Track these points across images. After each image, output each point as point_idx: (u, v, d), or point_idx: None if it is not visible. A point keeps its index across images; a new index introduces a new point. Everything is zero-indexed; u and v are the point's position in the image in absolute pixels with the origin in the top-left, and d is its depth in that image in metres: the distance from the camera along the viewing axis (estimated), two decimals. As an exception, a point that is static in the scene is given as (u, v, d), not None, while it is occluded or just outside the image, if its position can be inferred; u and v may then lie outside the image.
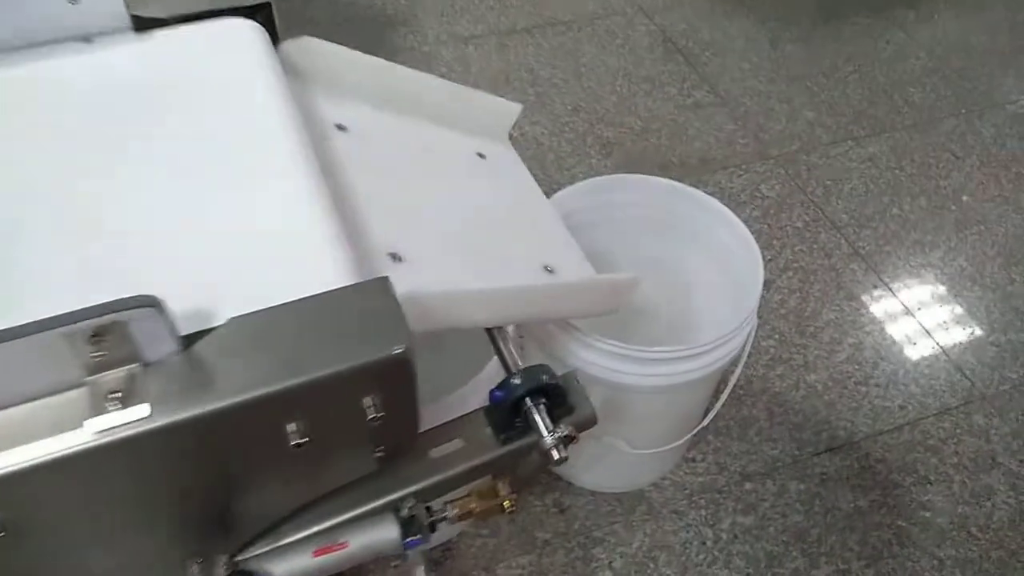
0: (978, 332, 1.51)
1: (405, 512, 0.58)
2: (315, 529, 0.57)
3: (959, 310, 1.55)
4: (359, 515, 0.58)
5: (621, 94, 1.94)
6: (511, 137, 0.93)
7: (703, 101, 1.95)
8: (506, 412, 0.62)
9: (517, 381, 0.62)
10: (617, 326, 0.99)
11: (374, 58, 0.85)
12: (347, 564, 0.58)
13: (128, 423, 0.45)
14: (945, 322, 1.53)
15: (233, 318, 0.50)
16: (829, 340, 1.47)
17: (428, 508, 0.61)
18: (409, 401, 0.53)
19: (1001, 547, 1.22)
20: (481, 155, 0.89)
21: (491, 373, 0.92)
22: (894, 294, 1.56)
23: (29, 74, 0.66)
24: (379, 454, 0.56)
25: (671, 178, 1.12)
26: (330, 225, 0.58)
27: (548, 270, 0.77)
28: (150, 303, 0.44)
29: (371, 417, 0.51)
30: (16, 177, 0.59)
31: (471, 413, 0.65)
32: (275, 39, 0.79)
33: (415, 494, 0.60)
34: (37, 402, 0.46)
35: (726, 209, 1.07)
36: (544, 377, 0.62)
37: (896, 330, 1.51)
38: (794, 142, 1.86)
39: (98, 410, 0.45)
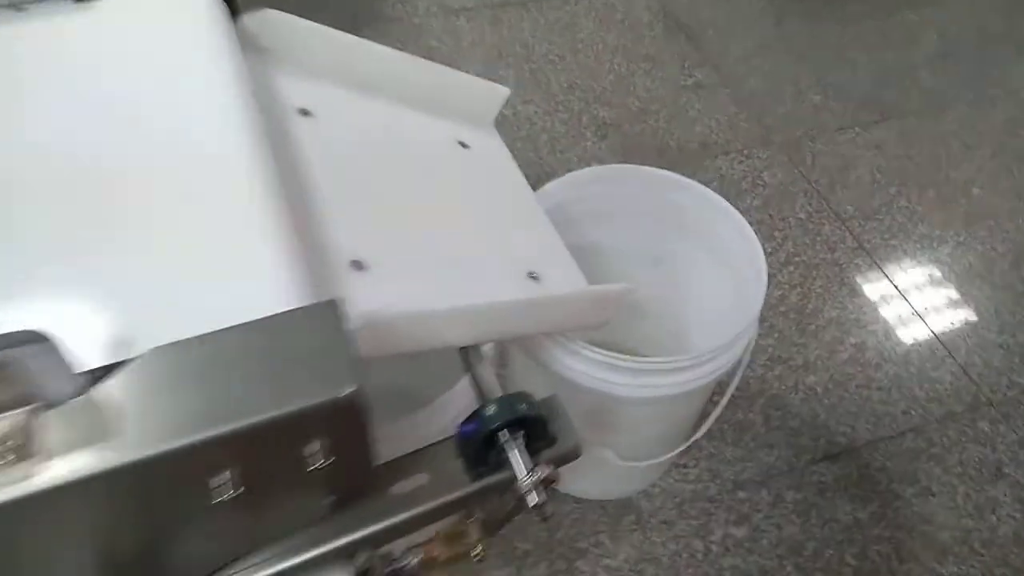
0: (986, 333, 1.44)
1: (360, 562, 0.51)
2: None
3: (966, 310, 1.48)
4: (305, 562, 0.51)
5: (619, 72, 1.85)
6: (500, 118, 0.85)
7: (704, 82, 1.85)
8: (478, 445, 0.55)
9: (491, 412, 0.54)
10: (610, 324, 0.91)
11: (345, 34, 0.76)
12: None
13: (21, 478, 0.37)
14: (952, 322, 1.46)
15: (153, 349, 0.42)
16: (830, 339, 1.40)
17: (385, 556, 0.54)
18: (361, 445, 0.46)
19: (1005, 564, 1.16)
20: (463, 144, 0.81)
21: (468, 383, 0.85)
22: (899, 291, 1.49)
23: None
24: (329, 500, 0.49)
25: (669, 164, 1.04)
26: (279, 233, 0.50)
27: (532, 277, 0.69)
28: (34, 339, 0.36)
29: (316, 466, 0.44)
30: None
31: (438, 443, 0.58)
32: (234, 11, 0.71)
33: (371, 538, 0.52)
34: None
35: (728, 205, 1.00)
36: (523, 407, 0.55)
37: (900, 330, 1.43)
38: (799, 127, 1.78)
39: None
